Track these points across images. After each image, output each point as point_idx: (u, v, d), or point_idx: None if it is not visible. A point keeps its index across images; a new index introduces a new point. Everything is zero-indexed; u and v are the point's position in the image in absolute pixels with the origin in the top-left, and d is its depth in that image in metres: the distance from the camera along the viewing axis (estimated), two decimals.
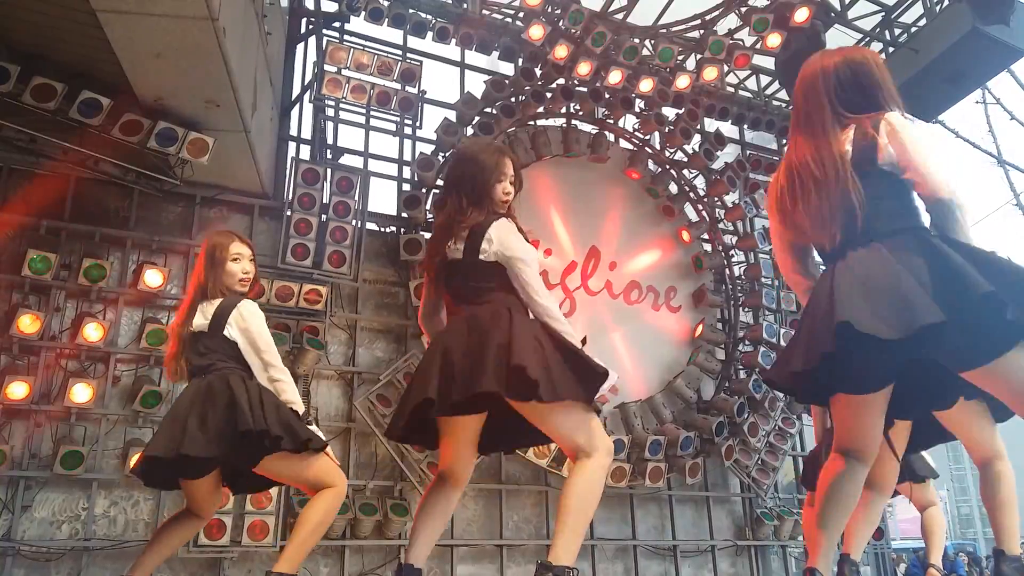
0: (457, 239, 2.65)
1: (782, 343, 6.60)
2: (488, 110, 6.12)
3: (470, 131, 5.95)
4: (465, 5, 6.42)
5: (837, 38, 7.55)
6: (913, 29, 7.55)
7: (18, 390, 4.24)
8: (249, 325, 3.08)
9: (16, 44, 4.22)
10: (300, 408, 3.03)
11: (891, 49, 7.64)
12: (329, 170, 5.44)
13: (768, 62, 7.44)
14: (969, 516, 37.18)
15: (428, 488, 2.73)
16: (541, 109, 6.38)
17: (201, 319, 3.09)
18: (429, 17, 6.18)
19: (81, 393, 4.37)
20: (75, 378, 4.40)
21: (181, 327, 3.11)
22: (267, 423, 2.80)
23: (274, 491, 4.53)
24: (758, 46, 6.75)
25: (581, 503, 2.35)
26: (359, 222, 5.43)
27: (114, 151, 4.56)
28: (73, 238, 4.74)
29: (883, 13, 7.56)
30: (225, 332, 3.05)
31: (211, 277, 3.15)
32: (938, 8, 7.39)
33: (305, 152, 5.80)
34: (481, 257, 2.58)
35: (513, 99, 6.24)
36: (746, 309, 7.06)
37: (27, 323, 4.33)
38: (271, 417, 2.83)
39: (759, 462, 6.40)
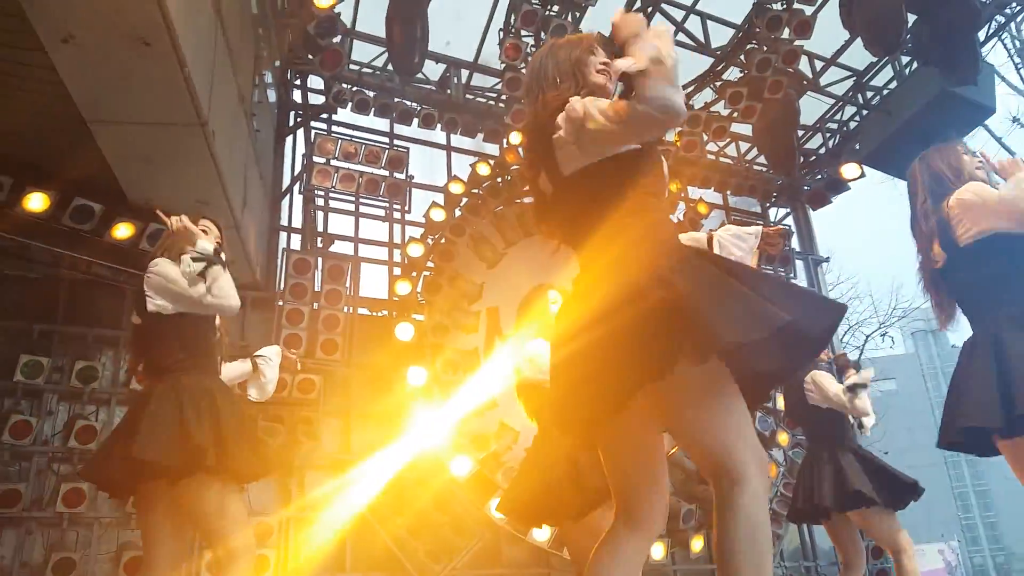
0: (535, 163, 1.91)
1: (779, 407, 6.56)
2: (475, 191, 6.22)
3: (457, 212, 6.06)
4: (449, 92, 6.60)
5: (811, 104, 7.77)
6: (885, 92, 7.79)
7: (9, 498, 4.20)
8: (162, 277, 2.52)
9: (8, 156, 4.32)
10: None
11: (864, 112, 7.86)
12: (320, 258, 5.51)
13: (747, 128, 7.62)
14: (983, 568, 35.73)
15: None
16: (528, 187, 6.47)
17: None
18: (415, 105, 6.34)
19: (73, 497, 4.32)
20: (67, 482, 4.35)
21: None
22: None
23: None
24: (735, 115, 6.93)
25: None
26: (351, 308, 5.47)
27: (107, 253, 4.64)
28: (65, 340, 4.75)
29: (854, 77, 7.78)
30: (149, 307, 2.52)
31: (172, 247, 2.66)
32: (907, 71, 7.63)
33: (296, 241, 5.88)
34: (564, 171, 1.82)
35: (499, 179, 6.35)
36: None
37: (19, 429, 4.32)
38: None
39: None
